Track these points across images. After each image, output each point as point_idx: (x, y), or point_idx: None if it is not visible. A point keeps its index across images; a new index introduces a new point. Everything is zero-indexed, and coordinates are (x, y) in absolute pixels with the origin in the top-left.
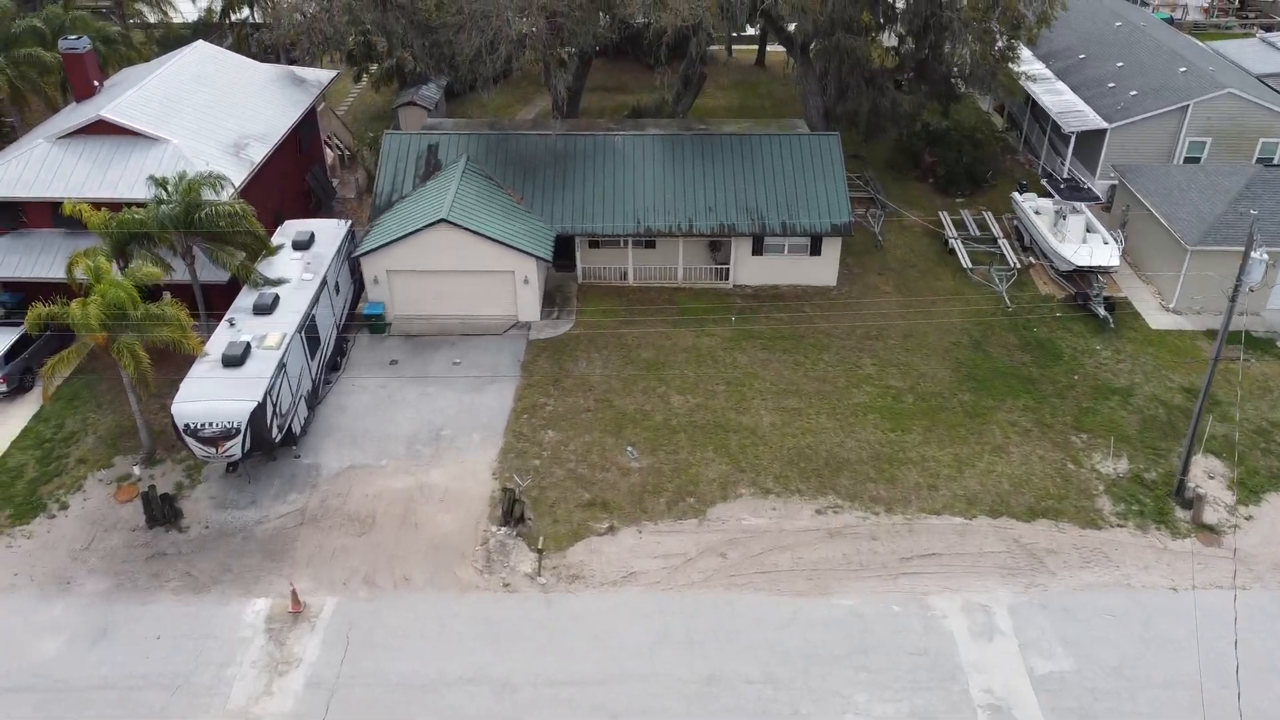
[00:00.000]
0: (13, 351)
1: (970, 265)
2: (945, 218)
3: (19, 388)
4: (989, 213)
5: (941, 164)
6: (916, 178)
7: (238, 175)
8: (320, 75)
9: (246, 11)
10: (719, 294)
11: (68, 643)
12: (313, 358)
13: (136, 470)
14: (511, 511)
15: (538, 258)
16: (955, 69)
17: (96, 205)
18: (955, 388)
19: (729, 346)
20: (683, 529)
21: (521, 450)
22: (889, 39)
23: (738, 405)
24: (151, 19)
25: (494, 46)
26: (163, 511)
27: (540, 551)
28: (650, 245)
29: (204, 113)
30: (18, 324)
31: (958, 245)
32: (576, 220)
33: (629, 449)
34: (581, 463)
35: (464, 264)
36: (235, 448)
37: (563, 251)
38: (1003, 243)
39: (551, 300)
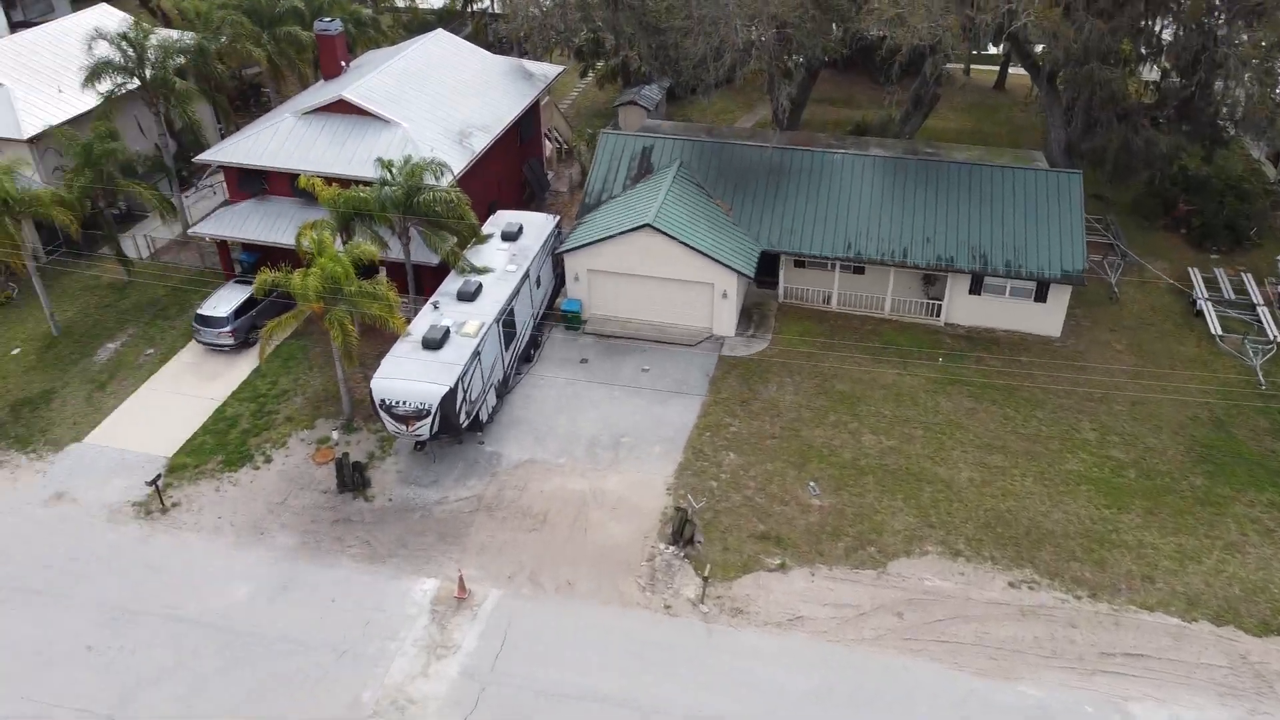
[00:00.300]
0: (242, 309)
1: (1220, 332)
2: (1195, 275)
3: (244, 343)
4: (1248, 274)
5: (1198, 214)
6: (1165, 227)
7: (458, 163)
8: (548, 70)
9: (486, 2)
10: (927, 331)
11: (255, 591)
12: (507, 348)
13: (335, 435)
14: (682, 532)
15: (739, 272)
16: (1225, 111)
17: (329, 180)
18: (1187, 469)
19: (932, 389)
20: (859, 579)
21: (700, 469)
22: (1149, 72)
23: (935, 454)
24: (400, 3)
25: (719, 53)
26: (353, 479)
27: (706, 578)
28: (859, 271)
29: (435, 99)
30: (250, 283)
31: (1207, 308)
32: (784, 238)
33: (811, 484)
34: (760, 492)
35: (664, 271)
36: (424, 428)
37: (765, 267)
38: (1262, 310)
39: (748, 317)
